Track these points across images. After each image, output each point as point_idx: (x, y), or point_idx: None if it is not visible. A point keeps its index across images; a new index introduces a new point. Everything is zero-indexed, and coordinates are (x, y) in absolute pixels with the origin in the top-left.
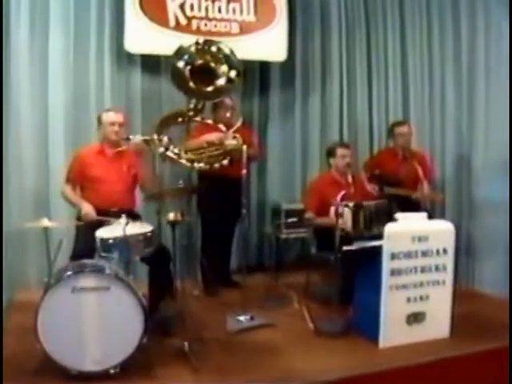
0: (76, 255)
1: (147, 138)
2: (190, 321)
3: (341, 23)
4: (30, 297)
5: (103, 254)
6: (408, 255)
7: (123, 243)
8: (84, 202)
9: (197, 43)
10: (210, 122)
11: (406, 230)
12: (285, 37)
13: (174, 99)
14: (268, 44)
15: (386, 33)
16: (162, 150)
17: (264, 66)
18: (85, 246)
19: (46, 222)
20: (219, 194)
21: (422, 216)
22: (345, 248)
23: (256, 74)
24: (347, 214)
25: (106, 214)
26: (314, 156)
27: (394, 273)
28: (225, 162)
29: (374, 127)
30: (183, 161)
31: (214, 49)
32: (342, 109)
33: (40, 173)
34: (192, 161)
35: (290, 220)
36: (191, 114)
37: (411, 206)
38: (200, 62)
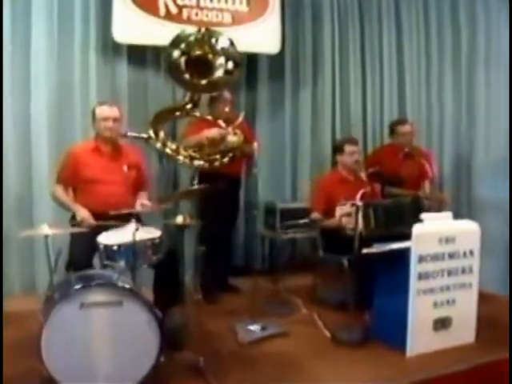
0: (73, 264)
1: (144, 135)
2: (199, 332)
3: (333, 14)
4: (16, 307)
5: (107, 262)
6: (435, 258)
7: (130, 250)
8: (79, 206)
9: (199, 31)
10: (209, 117)
11: (433, 231)
12: (278, 28)
13: (160, 92)
14: (261, 35)
15: (380, 25)
16: (159, 146)
17: (251, 58)
18: (82, 253)
19: (45, 229)
20: (218, 193)
21: (447, 216)
22: (365, 250)
23: (243, 66)
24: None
25: (104, 218)
26: (305, 153)
27: (422, 276)
28: (226, 159)
29: (367, 124)
30: (181, 158)
31: (213, 40)
32: (334, 105)
33: (22, 171)
34: (191, 158)
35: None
36: (189, 107)
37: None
38: (198, 52)
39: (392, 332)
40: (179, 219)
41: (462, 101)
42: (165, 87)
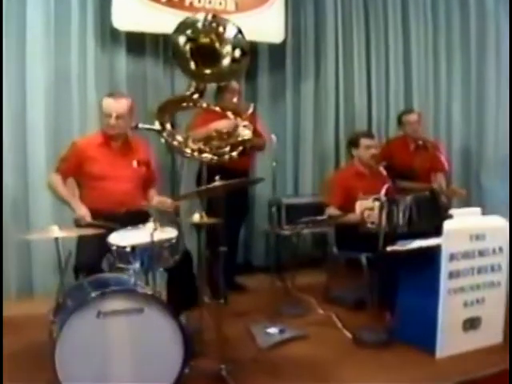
0: (81, 266)
1: (156, 127)
2: (215, 336)
3: (336, 2)
4: (14, 312)
5: (120, 265)
6: (466, 255)
7: (145, 252)
8: (78, 202)
9: (205, 17)
10: (217, 108)
11: (464, 227)
12: (282, 17)
13: (159, 82)
14: (265, 24)
15: (386, 13)
16: (166, 138)
17: (251, 48)
18: (91, 255)
19: (56, 232)
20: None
21: (476, 211)
22: (390, 248)
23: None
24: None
25: (112, 217)
26: (307, 147)
27: (452, 275)
28: (235, 153)
29: (372, 117)
30: (189, 150)
31: (220, 28)
32: (337, 96)
33: (18, 169)
34: (200, 151)
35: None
36: (196, 98)
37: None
38: (205, 40)
39: (419, 333)
40: (196, 217)
41: (471, 92)
42: (164, 77)
